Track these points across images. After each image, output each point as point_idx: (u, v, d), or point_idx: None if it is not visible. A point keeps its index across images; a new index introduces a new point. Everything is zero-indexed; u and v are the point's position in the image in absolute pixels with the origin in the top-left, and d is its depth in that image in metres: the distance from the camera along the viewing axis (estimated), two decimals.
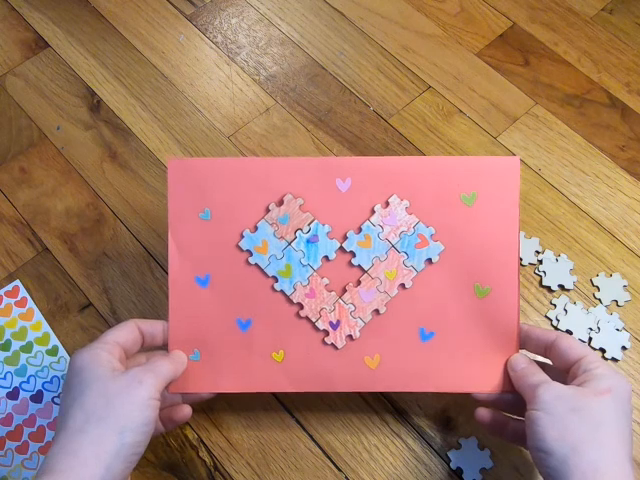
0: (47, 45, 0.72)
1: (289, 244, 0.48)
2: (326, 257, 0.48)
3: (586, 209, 0.61)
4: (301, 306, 0.48)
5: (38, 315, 0.57)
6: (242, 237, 0.48)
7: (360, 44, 0.72)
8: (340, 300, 0.48)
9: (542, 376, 0.44)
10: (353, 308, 0.48)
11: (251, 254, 0.48)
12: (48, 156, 0.65)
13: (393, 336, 0.48)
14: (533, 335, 0.47)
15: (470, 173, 0.48)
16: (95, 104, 0.68)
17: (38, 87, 0.69)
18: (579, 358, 0.43)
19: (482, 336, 0.47)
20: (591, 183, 0.63)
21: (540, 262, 0.58)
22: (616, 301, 0.56)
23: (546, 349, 0.46)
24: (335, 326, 0.48)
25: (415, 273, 0.48)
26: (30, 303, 0.57)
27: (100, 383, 0.41)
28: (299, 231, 0.48)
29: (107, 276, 0.59)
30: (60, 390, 0.53)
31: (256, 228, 0.48)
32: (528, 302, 0.57)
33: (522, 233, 0.59)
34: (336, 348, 0.48)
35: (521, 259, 0.58)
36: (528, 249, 0.59)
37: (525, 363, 0.46)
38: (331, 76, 0.70)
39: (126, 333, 0.45)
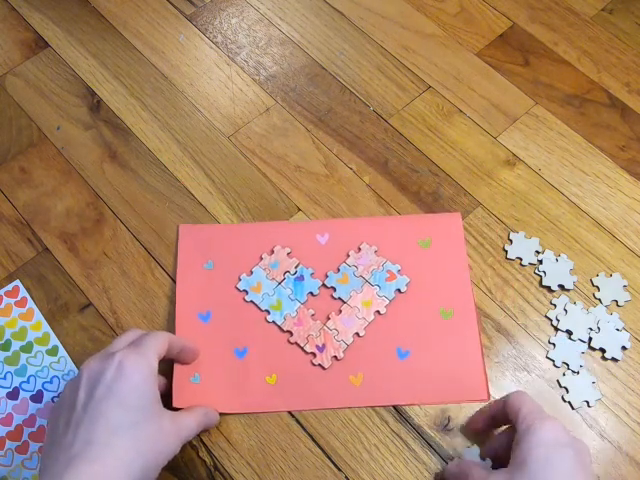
0: (47, 45, 0.72)
1: (279, 284, 0.57)
2: (311, 293, 0.56)
3: (586, 209, 0.61)
4: (291, 333, 0.54)
5: (38, 315, 0.57)
6: (240, 280, 0.57)
7: (360, 44, 0.72)
8: (325, 327, 0.55)
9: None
10: (336, 333, 0.54)
11: (247, 293, 0.56)
12: (48, 156, 0.65)
13: (373, 355, 0.54)
14: (492, 411, 0.48)
15: (424, 226, 0.59)
16: (95, 104, 0.68)
17: (38, 87, 0.69)
18: (516, 414, 0.44)
19: (452, 352, 0.54)
20: (591, 183, 0.63)
21: (540, 262, 0.58)
22: (616, 301, 0.56)
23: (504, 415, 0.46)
24: (321, 349, 0.54)
25: (387, 301, 0.56)
26: (30, 303, 0.57)
27: (154, 412, 0.44)
28: (287, 273, 0.57)
29: (107, 276, 0.59)
30: (61, 390, 0.53)
31: (251, 272, 0.57)
32: (528, 302, 0.57)
33: (522, 233, 0.59)
34: (323, 368, 0.53)
35: (521, 259, 0.58)
36: (528, 249, 0.59)
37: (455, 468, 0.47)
38: (331, 76, 0.70)
39: (163, 350, 0.47)
